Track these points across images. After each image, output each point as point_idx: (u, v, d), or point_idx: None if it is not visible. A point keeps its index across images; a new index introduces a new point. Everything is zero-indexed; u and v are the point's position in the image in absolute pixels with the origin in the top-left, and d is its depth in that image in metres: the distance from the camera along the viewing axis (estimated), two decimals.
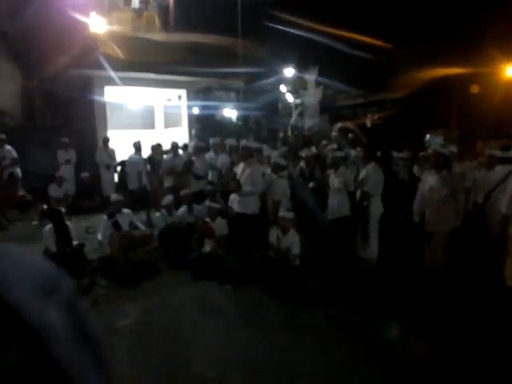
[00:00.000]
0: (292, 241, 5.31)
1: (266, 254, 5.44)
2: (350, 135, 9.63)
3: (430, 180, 5.30)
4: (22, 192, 8.64)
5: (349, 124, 11.90)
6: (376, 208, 5.83)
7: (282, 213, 5.39)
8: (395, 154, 7.25)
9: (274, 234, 5.43)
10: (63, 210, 6.15)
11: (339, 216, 5.90)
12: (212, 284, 5.57)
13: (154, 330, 4.36)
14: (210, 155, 8.72)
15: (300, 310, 4.77)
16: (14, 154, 8.90)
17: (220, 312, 4.84)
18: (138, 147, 9.56)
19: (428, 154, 6.34)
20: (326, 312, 4.69)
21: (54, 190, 8.93)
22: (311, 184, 6.79)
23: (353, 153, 7.16)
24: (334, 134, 10.39)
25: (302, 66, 14.89)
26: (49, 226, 5.73)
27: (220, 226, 6.04)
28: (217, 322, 4.53)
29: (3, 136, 8.55)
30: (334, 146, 7.42)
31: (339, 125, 11.71)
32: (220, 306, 5.06)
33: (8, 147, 8.91)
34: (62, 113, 11.20)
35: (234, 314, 4.79)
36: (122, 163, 10.95)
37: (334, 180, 6.00)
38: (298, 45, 14.54)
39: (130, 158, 9.63)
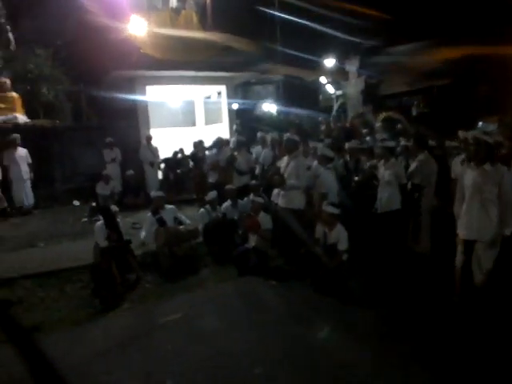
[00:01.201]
0: (339, 236, 5.13)
1: (311, 249, 5.30)
2: (396, 125, 9.29)
3: (469, 176, 4.18)
4: None
5: (393, 113, 11.47)
6: (428, 200, 5.54)
7: (326, 207, 5.21)
8: (447, 143, 6.86)
9: (320, 229, 5.28)
10: (115, 208, 6.29)
11: (390, 210, 5.65)
12: (257, 280, 5.51)
13: (200, 325, 4.34)
14: (257, 149, 8.70)
15: (348, 307, 4.61)
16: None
17: (265, 308, 4.76)
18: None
19: (463, 142, 5.53)
20: (375, 310, 4.50)
21: (101, 188, 9.20)
22: (357, 177, 6.56)
23: (402, 143, 6.86)
24: (378, 124, 10.07)
25: (342, 56, 14.49)
26: (100, 222, 5.86)
27: (264, 220, 5.95)
28: (262, 318, 4.46)
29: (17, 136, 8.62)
30: (382, 136, 7.12)
31: (383, 115, 11.33)
32: (265, 302, 4.98)
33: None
34: (106, 113, 11.51)
35: (279, 310, 4.69)
36: (166, 160, 11.15)
37: (384, 172, 5.74)
38: (338, 34, 14.18)
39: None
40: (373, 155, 6.68)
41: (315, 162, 6.24)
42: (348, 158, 7.29)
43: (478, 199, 4.06)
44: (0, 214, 8.75)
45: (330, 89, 16.46)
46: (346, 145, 7.50)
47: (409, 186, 5.81)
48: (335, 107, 15.20)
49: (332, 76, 15.78)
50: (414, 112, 12.51)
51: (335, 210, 5.12)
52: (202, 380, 3.40)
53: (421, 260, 5.47)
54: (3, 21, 7.72)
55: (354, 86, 13.78)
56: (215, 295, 5.18)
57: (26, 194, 9.14)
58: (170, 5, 12.25)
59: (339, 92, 15.34)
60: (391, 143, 6.05)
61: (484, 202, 4.03)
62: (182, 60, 10.96)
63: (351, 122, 11.48)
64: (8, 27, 7.86)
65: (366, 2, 14.05)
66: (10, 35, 7.92)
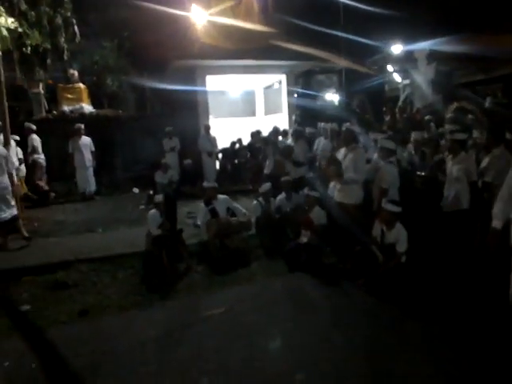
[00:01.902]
0: (398, 236, 4.73)
1: (367, 248, 4.94)
2: (467, 116, 8.51)
3: None
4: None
5: (466, 104, 10.55)
6: None
7: (386, 204, 4.81)
8: None
9: (377, 227, 4.90)
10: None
11: (457, 209, 5.11)
12: (307, 277, 5.25)
13: (244, 322, 4.19)
14: (319, 140, 8.42)
15: (405, 314, 4.22)
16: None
17: (313, 309, 4.50)
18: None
19: None
20: (432, 319, 4.07)
21: (159, 177, 9.36)
22: (422, 172, 6.04)
23: (474, 135, 6.22)
24: (449, 115, 9.30)
25: (410, 42, 13.57)
26: (152, 211, 5.91)
27: (318, 215, 5.66)
28: (309, 319, 4.21)
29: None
30: (452, 127, 6.50)
31: (455, 105, 10.46)
32: (314, 301, 4.71)
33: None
34: (167, 103, 11.70)
35: (328, 312, 4.41)
36: (224, 150, 11.15)
37: (453, 167, 5.19)
38: (406, 18, 13.28)
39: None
40: (440, 148, 6.12)
41: (375, 155, 5.82)
42: (413, 151, 6.77)
43: None
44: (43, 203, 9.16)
45: (397, 78, 15.56)
46: (411, 137, 6.96)
47: (479, 183, 5.22)
48: (402, 97, 14.36)
49: (399, 64, 14.88)
50: (490, 102, 11.42)
51: (396, 209, 4.71)
52: (238, 382, 3.25)
53: (488, 266, 4.90)
54: (69, 14, 7.97)
55: (424, 75, 12.89)
56: (263, 290, 4.99)
57: (88, 181, 9.56)
58: None
59: (406, 81, 14.46)
60: (462, 135, 5.45)
61: None
62: (242, 49, 10.83)
63: (418, 112, 10.73)
64: (74, 20, 8.13)
65: None
66: (76, 28, 8.19)
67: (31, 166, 8.94)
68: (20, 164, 7.84)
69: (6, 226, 6.19)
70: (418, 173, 6.09)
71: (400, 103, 13.71)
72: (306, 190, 6.03)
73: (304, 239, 5.55)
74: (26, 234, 6.50)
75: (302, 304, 4.63)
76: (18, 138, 8.33)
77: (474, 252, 4.98)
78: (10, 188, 6.21)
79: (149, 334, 4.00)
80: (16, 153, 7.85)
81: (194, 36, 10.72)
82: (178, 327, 4.07)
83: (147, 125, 11.08)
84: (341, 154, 5.74)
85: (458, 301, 4.34)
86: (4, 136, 7.59)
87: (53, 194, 9.47)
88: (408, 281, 4.59)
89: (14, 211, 6.26)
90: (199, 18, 10.73)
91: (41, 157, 9.42)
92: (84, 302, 4.77)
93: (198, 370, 3.38)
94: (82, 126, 9.47)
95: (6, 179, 6.16)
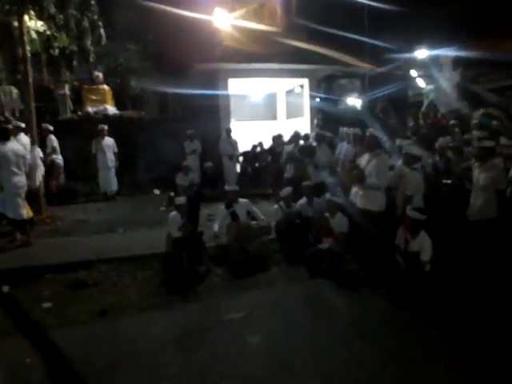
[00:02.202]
0: (422, 244, 4.61)
1: (390, 256, 4.83)
2: (494, 122, 8.31)
3: None
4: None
5: (493, 110, 10.30)
6: None
7: (410, 212, 4.70)
8: None
9: (401, 234, 4.79)
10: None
11: (483, 218, 4.96)
12: (328, 283, 5.18)
13: (263, 327, 4.14)
14: (342, 145, 8.34)
15: (428, 323, 4.10)
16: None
17: (334, 316, 4.44)
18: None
19: None
20: (458, 329, 3.95)
21: (180, 179, 9.39)
22: (448, 179, 5.89)
23: (501, 142, 6.04)
24: (475, 121, 9.09)
25: (436, 46, 13.34)
26: (173, 213, 5.91)
27: (340, 222, 5.57)
28: (329, 326, 4.14)
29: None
30: (480, 134, 6.33)
31: (481, 111, 10.23)
32: (334, 309, 4.66)
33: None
34: (189, 106, 11.77)
35: (348, 320, 4.35)
36: (245, 154, 11.14)
37: (480, 175, 5.04)
38: (431, 22, 13.06)
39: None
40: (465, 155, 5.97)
41: (399, 162, 5.70)
42: (438, 158, 6.62)
43: None
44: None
45: (421, 83, 15.33)
46: (436, 143, 6.81)
47: (508, 192, 5.07)
48: (425, 102, 14.13)
49: (423, 69, 14.65)
50: None
51: (421, 216, 4.60)
52: None
53: None
54: (96, 17, 8.11)
55: (449, 80, 12.65)
56: (283, 296, 4.95)
57: (110, 181, 9.66)
58: None
59: (431, 86, 14.22)
60: (490, 143, 5.30)
61: None
62: (265, 52, 10.83)
63: (443, 118, 10.52)
64: (100, 23, 8.28)
65: None
66: (102, 31, 8.33)
67: (49, 166, 9.06)
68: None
69: (24, 223, 6.32)
70: (444, 180, 5.94)
71: (424, 108, 13.48)
72: (327, 196, 5.94)
73: (326, 245, 5.47)
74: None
75: (322, 310, 4.58)
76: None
77: (501, 262, 4.84)
78: (26, 188, 6.37)
79: (168, 336, 4.00)
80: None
81: (216, 39, 10.77)
82: (197, 330, 4.06)
83: (169, 127, 11.17)
84: (364, 159, 5.64)
85: (482, 311, 4.20)
86: (30, 135, 7.75)
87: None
88: (432, 290, 4.47)
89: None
90: (222, 22, 10.77)
91: (58, 157, 9.54)
92: (104, 302, 4.81)
93: (218, 374, 3.36)
94: (106, 127, 9.60)
95: (23, 178, 6.29)
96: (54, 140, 9.42)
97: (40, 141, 8.11)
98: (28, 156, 6.59)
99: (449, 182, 5.94)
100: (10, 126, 6.87)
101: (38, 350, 3.80)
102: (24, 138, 7.40)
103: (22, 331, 4.21)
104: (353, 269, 5.50)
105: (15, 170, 6.11)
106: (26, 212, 6.43)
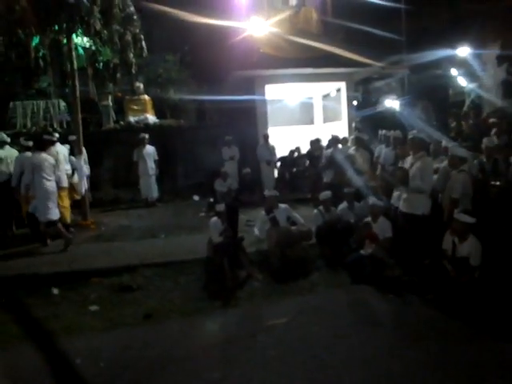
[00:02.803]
0: (471, 249, 4.43)
1: (437, 261, 4.67)
2: None
3: None
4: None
5: None
6: None
7: (459, 215, 4.53)
8: None
9: (448, 239, 4.62)
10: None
11: None
12: (371, 290, 5.06)
13: (306, 333, 4.09)
14: (379, 148, 8.19)
15: (478, 332, 3.92)
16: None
17: (377, 323, 4.32)
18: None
19: None
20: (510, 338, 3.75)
21: (219, 185, 9.49)
22: (496, 181, 5.64)
23: None
24: None
25: (479, 43, 12.84)
26: (215, 218, 5.97)
27: (383, 227, 5.44)
28: (372, 334, 4.03)
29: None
30: None
31: None
32: (378, 316, 4.54)
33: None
34: (227, 112, 11.90)
35: (391, 327, 4.25)
36: (282, 159, 11.14)
37: None
38: (473, 17, 12.59)
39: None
40: None
41: (444, 163, 5.52)
42: (484, 159, 6.35)
43: None
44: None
45: (462, 81, 14.81)
46: (482, 144, 6.54)
47: None
48: (467, 102, 13.63)
49: (465, 67, 14.14)
50: None
51: (470, 219, 4.42)
52: None
53: None
54: (138, 31, 8.38)
55: (493, 77, 12.13)
56: (325, 302, 4.88)
57: (151, 188, 9.90)
58: (290, 3, 12.18)
59: (473, 85, 13.70)
60: None
61: None
62: (301, 57, 10.80)
63: (488, 117, 10.11)
64: (142, 36, 8.55)
65: None
66: (144, 44, 8.59)
67: None
68: (73, 172, 8.26)
69: (51, 225, 6.65)
70: (493, 182, 5.69)
71: (465, 108, 13.01)
72: (370, 200, 5.82)
73: (368, 250, 5.36)
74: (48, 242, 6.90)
75: (366, 317, 4.47)
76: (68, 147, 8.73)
77: None
78: (57, 193, 6.81)
79: (212, 341, 4.04)
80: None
81: (253, 46, 10.84)
82: (240, 335, 4.07)
83: (207, 134, 11.33)
84: (407, 162, 5.50)
85: None
86: (77, 146, 8.08)
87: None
88: (482, 297, 4.28)
89: (58, 214, 6.77)
90: (258, 29, 10.84)
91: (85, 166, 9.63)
92: (148, 306, 4.92)
93: (261, 381, 3.34)
94: (147, 136, 9.86)
95: (54, 184, 6.76)
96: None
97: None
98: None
99: (497, 183, 5.68)
100: (46, 137, 7.40)
101: (88, 351, 3.92)
102: (60, 148, 7.77)
103: (71, 333, 4.35)
104: (397, 274, 5.34)
105: (46, 176, 6.60)
106: (60, 215, 6.82)
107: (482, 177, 5.97)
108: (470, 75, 14.10)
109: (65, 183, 7.44)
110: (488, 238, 4.66)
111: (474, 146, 7.14)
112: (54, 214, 6.66)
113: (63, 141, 8.38)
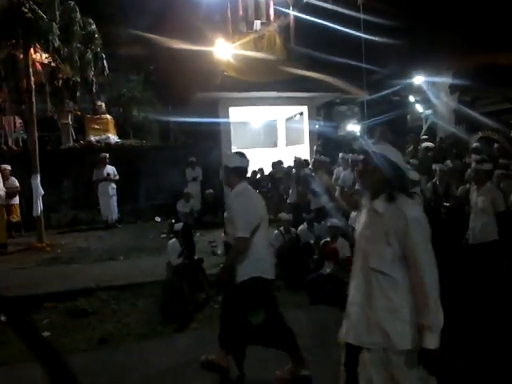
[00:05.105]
0: None
1: None
2: (493, 146, 8.38)
3: None
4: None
5: (491, 133, 10.40)
6: None
7: None
8: None
9: None
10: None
11: (484, 241, 4.94)
12: (330, 310, 5.09)
13: (265, 353, 4.03)
14: (338, 171, 8.40)
15: None
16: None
17: (336, 343, 4.33)
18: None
19: None
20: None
21: (181, 206, 9.44)
22: (447, 202, 5.91)
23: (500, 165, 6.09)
24: (475, 144, 9.18)
25: (432, 72, 13.58)
26: (172, 241, 5.93)
27: (341, 247, 5.56)
28: (331, 354, 4.04)
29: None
30: (477, 157, 6.39)
31: (479, 135, 10.33)
32: (337, 335, 4.55)
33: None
34: (191, 134, 11.95)
35: None
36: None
37: (478, 198, 5.06)
38: (427, 48, 13.34)
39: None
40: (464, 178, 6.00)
41: None
42: (437, 182, 6.66)
43: None
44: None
45: (419, 108, 15.55)
46: (434, 167, 6.85)
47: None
48: (424, 127, 14.27)
49: (421, 94, 14.89)
50: None
51: None
52: None
53: None
54: (99, 50, 8.37)
55: (446, 104, 12.82)
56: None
57: (111, 209, 9.70)
58: (254, 28, 12.50)
59: (429, 111, 14.41)
60: (488, 165, 5.33)
61: None
62: (265, 81, 11.05)
63: (442, 142, 10.62)
64: (103, 55, 8.53)
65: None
66: (105, 63, 8.58)
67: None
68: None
69: None
70: (444, 204, 5.95)
71: (422, 133, 13.60)
72: (329, 221, 5.94)
73: (327, 270, 5.44)
74: None
75: (323, 337, 4.48)
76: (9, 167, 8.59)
77: (502, 285, 4.79)
78: None
79: (168, 365, 3.93)
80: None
81: (217, 69, 11.01)
82: (198, 359, 3.98)
83: (170, 155, 11.31)
84: None
85: (483, 337, 4.12)
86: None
87: None
88: None
89: None
90: (223, 52, 11.04)
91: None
92: (103, 330, 4.75)
93: None
94: (107, 155, 9.73)
95: None
96: None
97: None
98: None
99: (448, 205, 5.95)
100: None
101: (33, 380, 3.72)
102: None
103: (17, 361, 4.13)
104: None
105: None
106: None
107: (434, 199, 6.24)
108: (427, 102, 14.83)
109: None
110: (439, 258, 4.82)
111: (428, 169, 7.45)
112: None
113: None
